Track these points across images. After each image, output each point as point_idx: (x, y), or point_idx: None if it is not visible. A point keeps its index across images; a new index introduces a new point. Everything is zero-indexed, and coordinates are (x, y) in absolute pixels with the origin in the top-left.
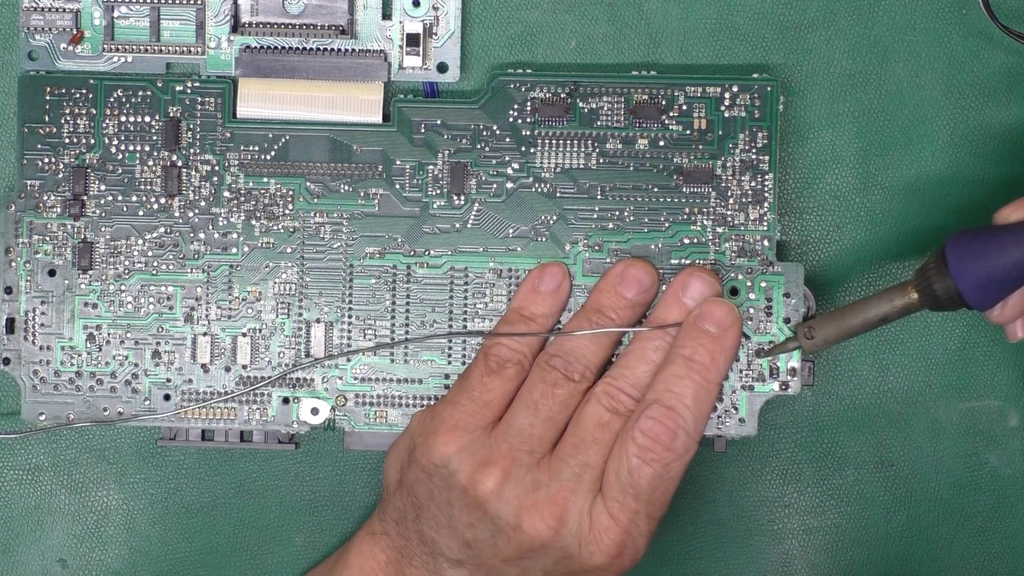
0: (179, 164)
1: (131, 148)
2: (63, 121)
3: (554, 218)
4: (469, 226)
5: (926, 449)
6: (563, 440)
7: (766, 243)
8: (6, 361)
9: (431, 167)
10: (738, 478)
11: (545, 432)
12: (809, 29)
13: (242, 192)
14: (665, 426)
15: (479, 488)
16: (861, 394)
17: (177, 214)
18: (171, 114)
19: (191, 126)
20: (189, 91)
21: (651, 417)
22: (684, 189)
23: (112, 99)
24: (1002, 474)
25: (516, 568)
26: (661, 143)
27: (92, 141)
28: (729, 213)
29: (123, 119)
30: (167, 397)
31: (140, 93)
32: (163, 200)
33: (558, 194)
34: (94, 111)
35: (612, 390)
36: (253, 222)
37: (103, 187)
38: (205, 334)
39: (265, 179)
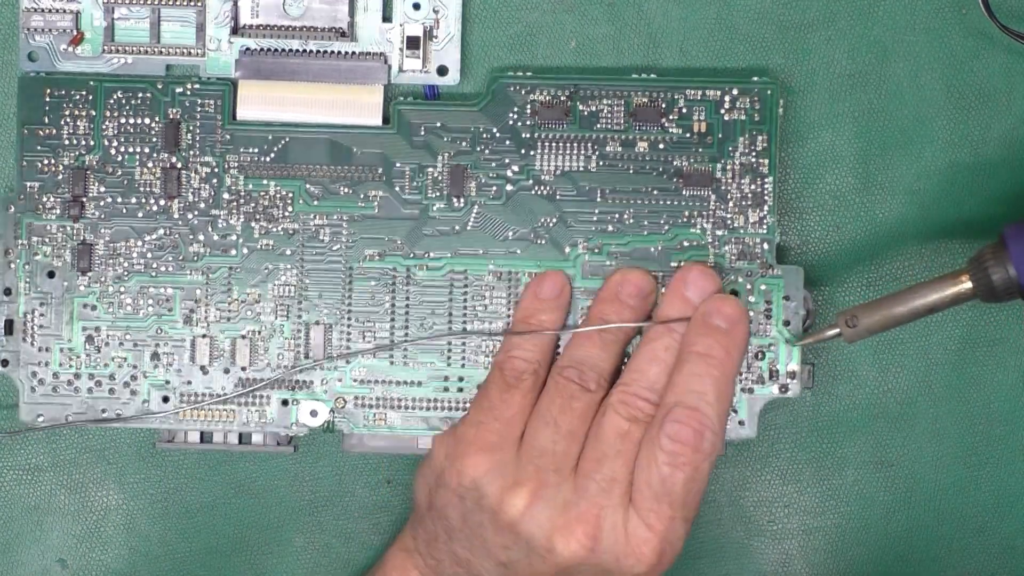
0: (179, 166)
1: (131, 150)
2: (63, 122)
3: (554, 221)
4: (469, 228)
5: (926, 449)
6: (584, 455)
7: (766, 246)
8: (5, 363)
9: (431, 169)
10: (738, 478)
11: (568, 448)
12: (809, 29)
13: (242, 194)
14: (692, 428)
15: (509, 510)
16: (861, 394)
17: (177, 216)
18: (171, 116)
19: (191, 128)
20: (189, 93)
21: (676, 421)
22: (684, 192)
23: (112, 101)
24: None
25: None
26: (661, 146)
27: (92, 143)
28: (729, 216)
29: (123, 121)
30: (166, 399)
31: (140, 95)
32: (163, 202)
33: (558, 197)
34: (94, 112)
35: (627, 397)
36: (253, 224)
37: (103, 189)
38: (204, 336)
39: (265, 181)
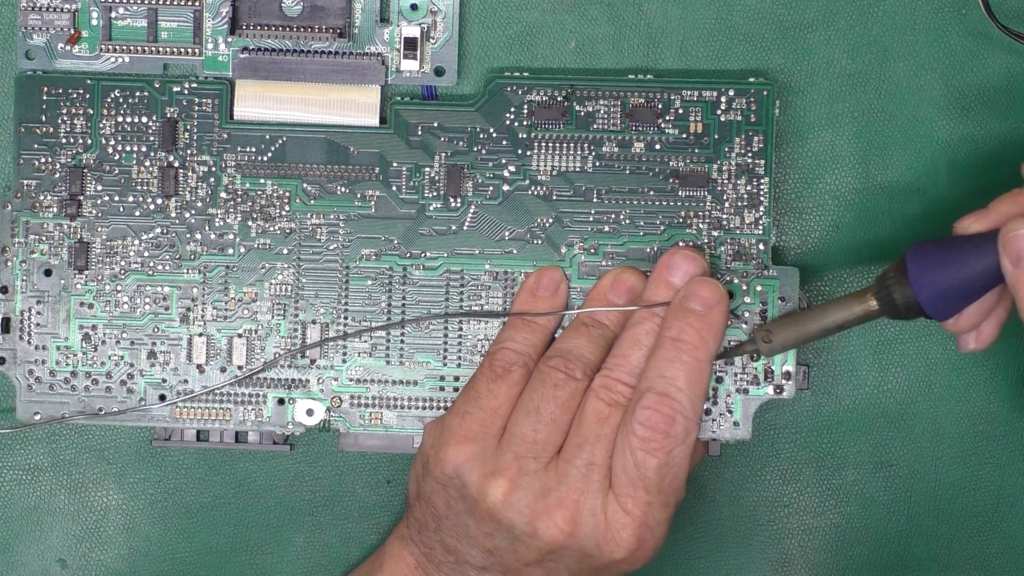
0: (176, 165)
1: (128, 148)
2: (60, 121)
3: (550, 221)
4: (465, 228)
5: (926, 449)
6: (567, 441)
7: (761, 247)
8: (1, 361)
9: (428, 169)
10: (738, 478)
11: (549, 436)
12: (809, 29)
13: (239, 193)
14: (662, 414)
15: (488, 499)
16: (861, 394)
17: (174, 215)
18: (168, 115)
19: (188, 127)
20: (186, 92)
21: (647, 407)
22: (680, 192)
23: (109, 99)
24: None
25: (541, 570)
26: (657, 146)
27: (89, 141)
28: (724, 217)
29: (120, 119)
30: (162, 397)
31: (137, 94)
32: (160, 201)
33: (554, 197)
34: (91, 111)
35: (608, 382)
36: (249, 223)
37: (100, 187)
38: (201, 335)
39: (262, 180)
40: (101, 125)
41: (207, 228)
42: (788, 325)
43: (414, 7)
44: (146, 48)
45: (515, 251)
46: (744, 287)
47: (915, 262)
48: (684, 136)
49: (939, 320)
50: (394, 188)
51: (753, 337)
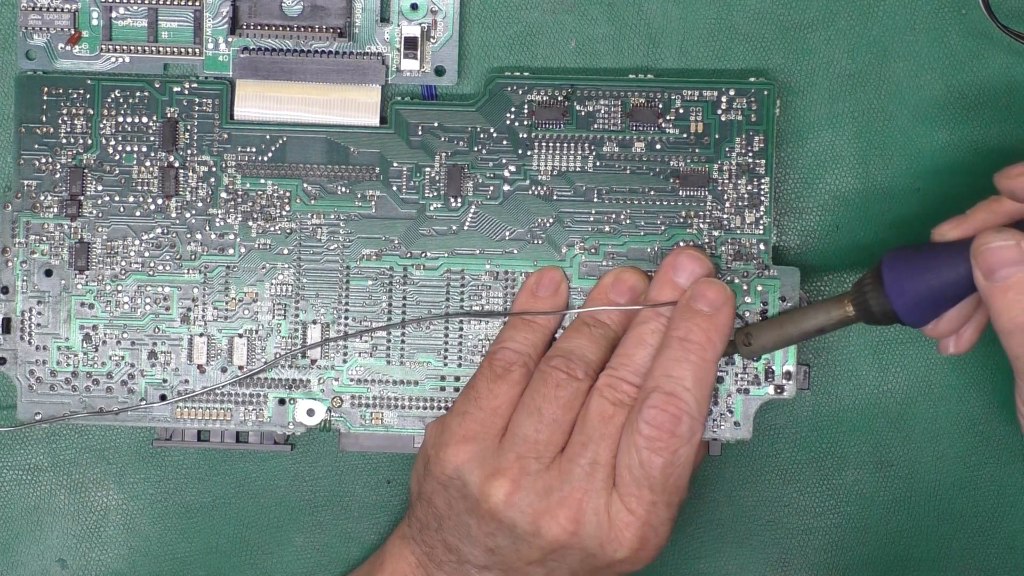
0: (176, 165)
1: (128, 149)
2: (60, 121)
3: (551, 221)
4: (466, 228)
5: (926, 449)
6: (571, 440)
7: (762, 247)
8: (2, 361)
9: (428, 169)
10: (738, 478)
11: (551, 436)
12: (809, 29)
13: (239, 193)
14: (668, 413)
15: (490, 499)
16: (861, 394)
17: (174, 215)
18: (168, 115)
19: (188, 127)
20: (187, 92)
21: (653, 406)
22: (680, 192)
23: (109, 99)
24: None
25: (543, 569)
26: (657, 146)
27: (89, 141)
28: (725, 217)
29: (120, 119)
30: (163, 397)
31: (138, 94)
32: (160, 201)
33: (555, 197)
34: (91, 111)
35: (613, 381)
36: (250, 223)
37: (100, 187)
38: (201, 335)
39: (262, 180)
40: (101, 125)
41: (207, 228)
42: (768, 328)
43: (414, 7)
44: (146, 48)
45: (515, 251)
46: (745, 287)
47: (891, 269)
48: (684, 136)
49: (915, 327)
50: (394, 188)
51: (734, 339)
